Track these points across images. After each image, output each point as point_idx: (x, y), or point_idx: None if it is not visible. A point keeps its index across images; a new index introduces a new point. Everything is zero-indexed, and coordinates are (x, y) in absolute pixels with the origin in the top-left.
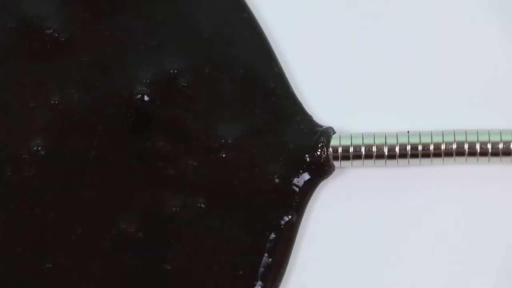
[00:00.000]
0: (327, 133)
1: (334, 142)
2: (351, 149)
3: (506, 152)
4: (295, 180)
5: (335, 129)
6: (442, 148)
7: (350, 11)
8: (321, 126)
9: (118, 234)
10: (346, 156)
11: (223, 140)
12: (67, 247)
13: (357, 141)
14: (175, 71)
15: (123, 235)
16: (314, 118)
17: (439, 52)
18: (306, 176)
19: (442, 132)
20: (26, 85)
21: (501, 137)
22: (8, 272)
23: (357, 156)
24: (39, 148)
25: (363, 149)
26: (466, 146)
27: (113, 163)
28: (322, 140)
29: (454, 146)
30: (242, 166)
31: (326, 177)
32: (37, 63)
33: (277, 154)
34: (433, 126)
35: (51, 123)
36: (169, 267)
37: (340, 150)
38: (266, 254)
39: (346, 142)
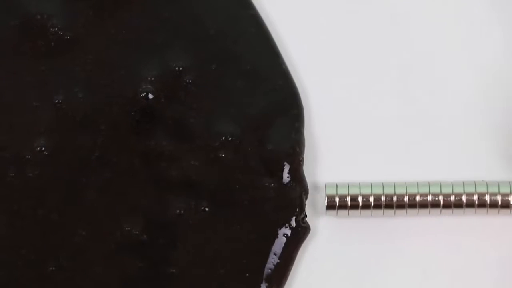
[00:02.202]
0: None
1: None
2: (337, 199)
3: (493, 204)
4: (290, 189)
5: (336, 130)
6: (428, 199)
7: (355, 11)
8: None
9: (122, 236)
10: (332, 206)
11: (229, 138)
12: (70, 250)
13: (343, 191)
14: (180, 68)
15: (127, 237)
16: (316, 117)
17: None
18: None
19: (429, 183)
20: (30, 84)
21: (487, 189)
22: (11, 275)
23: (343, 206)
24: (43, 149)
25: (348, 199)
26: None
27: (117, 163)
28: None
29: (441, 198)
30: (242, 169)
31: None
32: (41, 61)
33: (281, 156)
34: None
35: (55, 122)
36: (174, 270)
37: (326, 200)
38: (272, 256)
39: (331, 191)
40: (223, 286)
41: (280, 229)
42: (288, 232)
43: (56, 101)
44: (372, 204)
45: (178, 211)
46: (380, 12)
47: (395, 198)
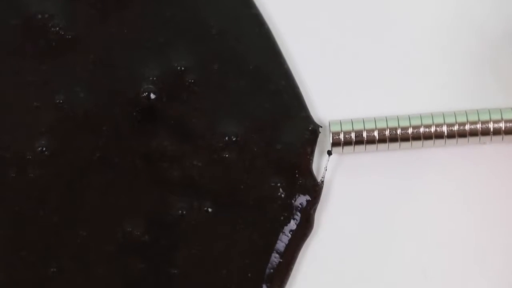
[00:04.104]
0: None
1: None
2: (341, 135)
3: (485, 132)
4: (298, 187)
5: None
6: (432, 130)
7: (357, 10)
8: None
9: (123, 237)
10: (337, 143)
11: (233, 138)
12: (72, 251)
13: (347, 127)
14: (182, 68)
15: (129, 238)
16: (318, 119)
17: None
18: (304, 183)
19: (432, 114)
20: (31, 84)
21: (490, 116)
22: (12, 277)
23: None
24: (44, 149)
25: (353, 135)
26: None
27: (119, 164)
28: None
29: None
30: (246, 169)
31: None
32: (42, 61)
33: (280, 159)
34: None
35: (56, 123)
36: (175, 271)
37: (331, 138)
38: (274, 256)
39: (336, 128)
40: (225, 286)
41: (284, 228)
42: (293, 230)
43: (57, 101)
44: (377, 138)
45: (180, 211)
46: (381, 11)
47: (399, 131)
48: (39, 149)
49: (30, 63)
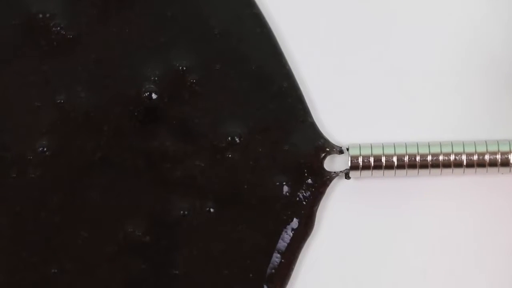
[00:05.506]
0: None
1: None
2: (360, 159)
3: (504, 163)
4: (304, 186)
5: (337, 132)
6: (451, 158)
7: (359, 10)
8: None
9: (125, 238)
10: (355, 166)
11: (236, 138)
12: (73, 252)
13: (366, 152)
14: (184, 68)
15: (130, 239)
16: (318, 120)
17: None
18: (312, 181)
19: (451, 142)
20: (31, 84)
21: (510, 147)
22: (13, 278)
23: (366, 166)
24: (45, 149)
25: (371, 160)
26: (475, 157)
27: (120, 164)
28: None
29: (464, 157)
30: (249, 168)
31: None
32: (43, 61)
33: (285, 159)
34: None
35: (57, 123)
36: (177, 272)
37: (349, 160)
38: (275, 256)
39: (355, 152)
40: (227, 286)
41: (287, 227)
42: (295, 229)
43: (58, 101)
44: (396, 164)
45: (182, 212)
46: (383, 12)
47: (418, 158)
48: (40, 149)
49: (31, 63)
